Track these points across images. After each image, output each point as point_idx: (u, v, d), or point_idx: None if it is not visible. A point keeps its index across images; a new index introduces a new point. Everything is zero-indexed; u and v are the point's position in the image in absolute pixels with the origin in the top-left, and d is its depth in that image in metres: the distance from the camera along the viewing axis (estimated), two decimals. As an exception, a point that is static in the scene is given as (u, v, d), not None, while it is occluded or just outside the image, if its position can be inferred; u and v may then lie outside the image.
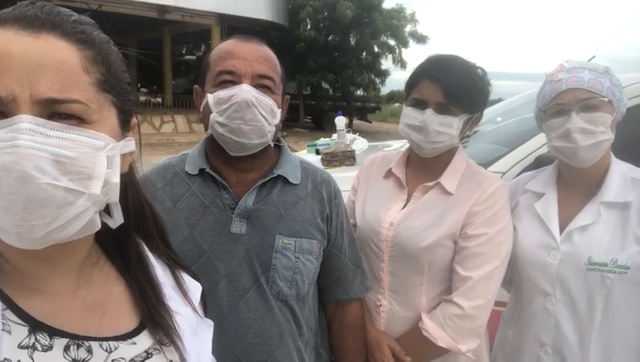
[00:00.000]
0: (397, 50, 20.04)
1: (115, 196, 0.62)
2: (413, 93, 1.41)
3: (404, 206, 1.46)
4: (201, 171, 1.23)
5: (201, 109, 1.20)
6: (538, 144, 2.23)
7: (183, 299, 0.77)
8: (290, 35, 18.04)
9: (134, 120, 0.69)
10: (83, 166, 0.56)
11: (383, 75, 20.65)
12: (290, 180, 1.25)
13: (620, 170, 1.37)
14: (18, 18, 0.57)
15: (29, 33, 0.56)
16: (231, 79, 1.14)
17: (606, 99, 1.30)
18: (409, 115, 1.40)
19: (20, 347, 0.56)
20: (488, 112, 3.29)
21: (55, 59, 0.56)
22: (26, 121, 0.53)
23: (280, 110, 1.21)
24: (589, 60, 1.42)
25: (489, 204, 1.37)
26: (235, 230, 1.18)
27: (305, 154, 3.68)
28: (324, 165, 3.19)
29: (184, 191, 1.22)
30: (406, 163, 1.54)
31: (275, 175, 1.23)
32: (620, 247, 1.29)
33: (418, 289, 1.41)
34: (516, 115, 2.99)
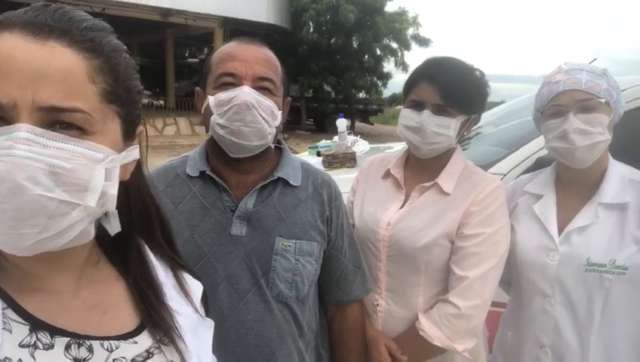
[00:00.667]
0: (399, 53, 20.01)
1: (112, 206, 0.61)
2: (411, 95, 1.42)
3: (402, 206, 1.47)
4: (202, 173, 1.23)
5: (202, 111, 1.20)
6: (539, 146, 2.23)
7: (184, 299, 0.78)
8: (292, 38, 18.02)
9: (140, 128, 0.68)
10: (79, 178, 0.55)
11: (385, 77, 20.62)
12: (291, 182, 1.25)
13: (617, 171, 1.37)
14: (27, 23, 0.56)
15: (36, 40, 0.55)
16: (232, 81, 1.14)
17: (603, 101, 1.30)
18: (407, 116, 1.41)
19: (21, 346, 0.56)
20: (490, 115, 3.29)
21: (60, 68, 0.55)
22: (24, 130, 0.52)
23: (281, 112, 1.21)
24: (590, 63, 1.42)
25: (486, 204, 1.37)
26: (235, 232, 1.18)
27: (306, 156, 3.68)
28: (325, 167, 3.19)
29: (185, 194, 1.22)
30: (404, 164, 1.55)
31: (276, 177, 1.23)
32: (618, 248, 1.30)
33: (415, 289, 1.42)
34: (517, 118, 2.99)
